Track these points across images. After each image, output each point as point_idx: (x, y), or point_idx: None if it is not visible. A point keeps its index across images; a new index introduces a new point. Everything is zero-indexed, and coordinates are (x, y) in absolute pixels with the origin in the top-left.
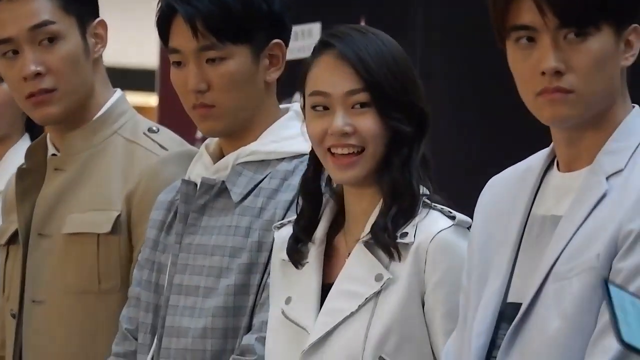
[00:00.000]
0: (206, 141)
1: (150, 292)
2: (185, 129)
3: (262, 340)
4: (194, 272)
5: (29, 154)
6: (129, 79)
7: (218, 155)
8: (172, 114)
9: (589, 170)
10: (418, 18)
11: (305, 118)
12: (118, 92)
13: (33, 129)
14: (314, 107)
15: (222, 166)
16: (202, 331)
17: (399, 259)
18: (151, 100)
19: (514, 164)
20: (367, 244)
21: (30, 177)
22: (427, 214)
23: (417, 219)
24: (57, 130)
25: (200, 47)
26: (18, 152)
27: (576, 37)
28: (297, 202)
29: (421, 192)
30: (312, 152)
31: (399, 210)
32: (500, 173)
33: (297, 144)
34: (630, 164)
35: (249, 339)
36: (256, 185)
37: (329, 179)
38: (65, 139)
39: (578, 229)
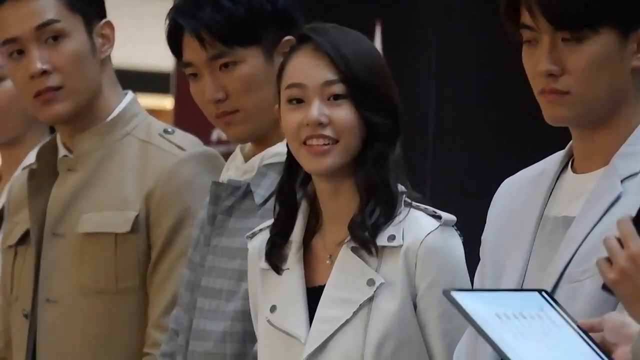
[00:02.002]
0: (239, 144)
1: (189, 292)
2: (200, 131)
3: None
4: (219, 275)
5: (39, 155)
6: (144, 81)
7: (251, 157)
8: (187, 117)
9: (603, 172)
10: (431, 20)
11: (280, 115)
12: (130, 94)
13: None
14: (290, 101)
15: (249, 168)
16: (222, 335)
17: (377, 255)
18: (166, 102)
19: (529, 164)
20: (353, 249)
21: (41, 178)
22: (408, 213)
23: (399, 218)
24: (68, 131)
25: (211, 57)
26: None
27: (572, 40)
28: (274, 207)
29: (399, 190)
30: (288, 155)
31: (377, 207)
32: (515, 174)
33: None
34: None
35: None
36: None
37: (303, 182)
38: (77, 140)
39: (591, 230)
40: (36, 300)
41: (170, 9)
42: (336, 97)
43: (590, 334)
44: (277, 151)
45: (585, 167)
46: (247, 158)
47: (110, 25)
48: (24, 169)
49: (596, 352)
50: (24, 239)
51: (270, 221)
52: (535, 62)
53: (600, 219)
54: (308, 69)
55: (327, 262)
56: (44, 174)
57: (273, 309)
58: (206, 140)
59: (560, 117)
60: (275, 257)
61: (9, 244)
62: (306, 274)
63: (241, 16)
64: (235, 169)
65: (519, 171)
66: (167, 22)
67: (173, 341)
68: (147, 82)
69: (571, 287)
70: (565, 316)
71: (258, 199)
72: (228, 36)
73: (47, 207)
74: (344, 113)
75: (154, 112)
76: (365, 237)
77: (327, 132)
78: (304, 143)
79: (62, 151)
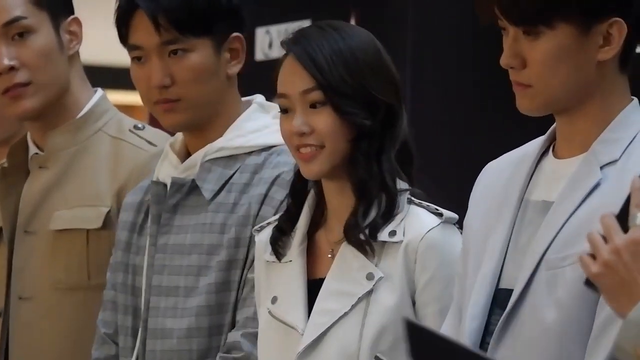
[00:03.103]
0: (170, 140)
1: (127, 294)
2: None
3: (247, 336)
4: (173, 272)
5: (10, 153)
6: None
7: (184, 154)
8: None
9: (583, 158)
10: (410, 11)
11: None
12: (99, 91)
13: None
14: (280, 110)
15: (190, 164)
16: (186, 331)
17: (373, 255)
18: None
19: (511, 148)
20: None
21: (12, 176)
22: (410, 209)
23: (401, 215)
24: (38, 128)
25: (163, 42)
26: None
27: (531, 35)
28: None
29: (400, 187)
30: None
31: (372, 206)
32: (498, 158)
33: (264, 136)
34: (625, 156)
35: (234, 336)
36: (227, 181)
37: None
38: (48, 137)
39: (570, 216)
40: (9, 298)
41: None
42: (315, 104)
43: None
44: (221, 146)
45: (566, 152)
46: (179, 155)
47: (77, 21)
48: None
49: None
50: None
51: (278, 215)
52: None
53: (580, 205)
54: (289, 78)
55: (329, 256)
56: (16, 172)
57: (274, 300)
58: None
59: (526, 107)
60: (279, 246)
61: None
62: (309, 267)
63: (199, 5)
64: (172, 167)
65: (501, 155)
66: (120, 1)
67: (107, 344)
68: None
69: (551, 274)
70: None
71: (207, 194)
72: (184, 23)
73: (19, 205)
74: (325, 120)
75: (129, 108)
76: (359, 239)
77: (311, 140)
78: (297, 150)
79: (32, 149)
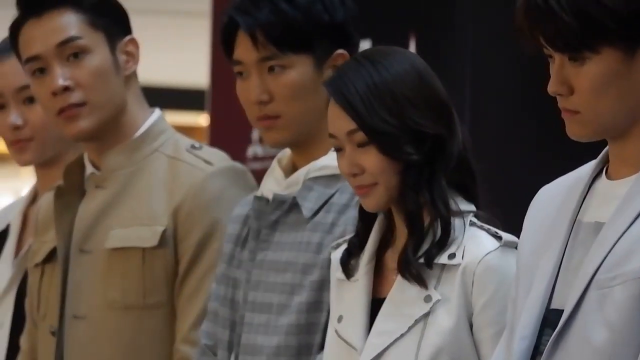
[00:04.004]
0: (278, 155)
1: (227, 308)
2: (236, 147)
3: None
4: (267, 289)
5: (66, 172)
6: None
7: (290, 170)
8: (223, 133)
9: (635, 178)
10: (470, 35)
11: None
12: (157, 112)
13: None
14: (335, 149)
15: (293, 181)
16: (275, 349)
17: (426, 288)
18: (200, 119)
19: (566, 172)
20: None
21: (68, 196)
22: (471, 232)
23: (461, 238)
24: (95, 148)
25: (261, 58)
26: None
27: (575, 61)
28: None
29: (461, 208)
30: None
31: (423, 237)
32: (553, 182)
33: None
34: None
35: (321, 358)
36: (327, 201)
37: None
38: (105, 157)
39: (621, 236)
40: (63, 317)
41: (229, 6)
42: (361, 144)
43: None
44: (324, 164)
45: (619, 173)
46: (285, 171)
47: (134, 42)
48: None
49: None
50: (50, 256)
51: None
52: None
53: (631, 225)
54: (333, 119)
55: (394, 276)
56: (71, 192)
57: (340, 319)
58: (242, 157)
59: (576, 134)
60: (349, 266)
61: (36, 262)
62: (376, 286)
63: (297, 22)
64: (276, 183)
65: (556, 179)
66: (224, 18)
67: (207, 356)
68: (182, 99)
69: (600, 294)
70: None
71: (307, 212)
72: (281, 39)
73: (75, 224)
74: (372, 159)
75: (189, 129)
76: (412, 274)
77: (363, 180)
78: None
79: (89, 168)
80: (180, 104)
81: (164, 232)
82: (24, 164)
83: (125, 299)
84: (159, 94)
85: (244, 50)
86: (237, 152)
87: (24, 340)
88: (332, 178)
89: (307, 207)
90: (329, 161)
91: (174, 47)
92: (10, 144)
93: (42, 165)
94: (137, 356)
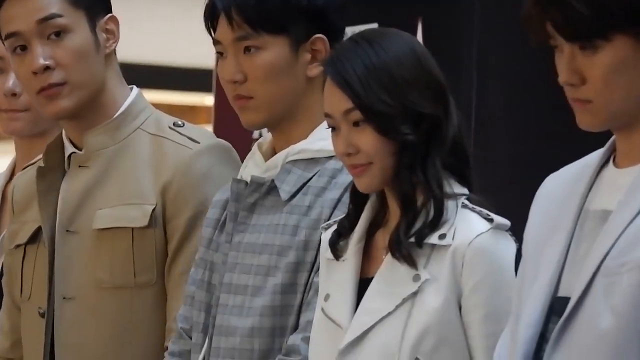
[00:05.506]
0: (259, 140)
1: (203, 291)
2: (242, 127)
3: (307, 340)
4: (243, 271)
5: (47, 152)
6: (184, 78)
7: (270, 154)
8: (228, 114)
9: None
10: (475, 19)
11: None
12: (135, 89)
13: None
14: (330, 129)
15: (272, 164)
16: (249, 330)
17: (415, 268)
18: (205, 99)
19: (573, 161)
20: None
21: (49, 175)
22: (462, 214)
23: (452, 219)
24: (75, 128)
25: (237, 37)
26: None
27: (588, 49)
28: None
29: (454, 190)
30: None
31: (415, 217)
32: (559, 170)
33: None
34: None
35: (294, 339)
36: (305, 184)
37: None
38: (87, 136)
39: (629, 224)
40: (51, 298)
41: None
42: (357, 122)
43: None
44: (302, 148)
45: (626, 162)
46: (265, 155)
47: (114, 20)
48: (24, 168)
49: None
50: (34, 237)
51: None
52: (560, 71)
53: (639, 212)
54: (330, 98)
55: (384, 256)
56: (53, 172)
57: (327, 297)
58: (247, 137)
59: (587, 124)
60: (337, 247)
61: (18, 243)
62: (365, 266)
63: (273, 3)
64: (255, 166)
65: (563, 167)
66: None
67: (183, 339)
68: (188, 79)
69: (607, 281)
70: None
71: (284, 195)
72: (256, 19)
73: (59, 205)
74: (367, 139)
75: (194, 109)
76: (402, 254)
77: (358, 159)
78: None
79: (69, 148)
80: (186, 84)
81: (153, 210)
82: (12, 133)
83: (114, 279)
84: (166, 74)
85: (222, 30)
86: (242, 132)
87: (3, 321)
88: (311, 162)
89: (285, 189)
90: (307, 145)
91: (181, 26)
92: (3, 111)
93: (27, 139)
94: (128, 336)
